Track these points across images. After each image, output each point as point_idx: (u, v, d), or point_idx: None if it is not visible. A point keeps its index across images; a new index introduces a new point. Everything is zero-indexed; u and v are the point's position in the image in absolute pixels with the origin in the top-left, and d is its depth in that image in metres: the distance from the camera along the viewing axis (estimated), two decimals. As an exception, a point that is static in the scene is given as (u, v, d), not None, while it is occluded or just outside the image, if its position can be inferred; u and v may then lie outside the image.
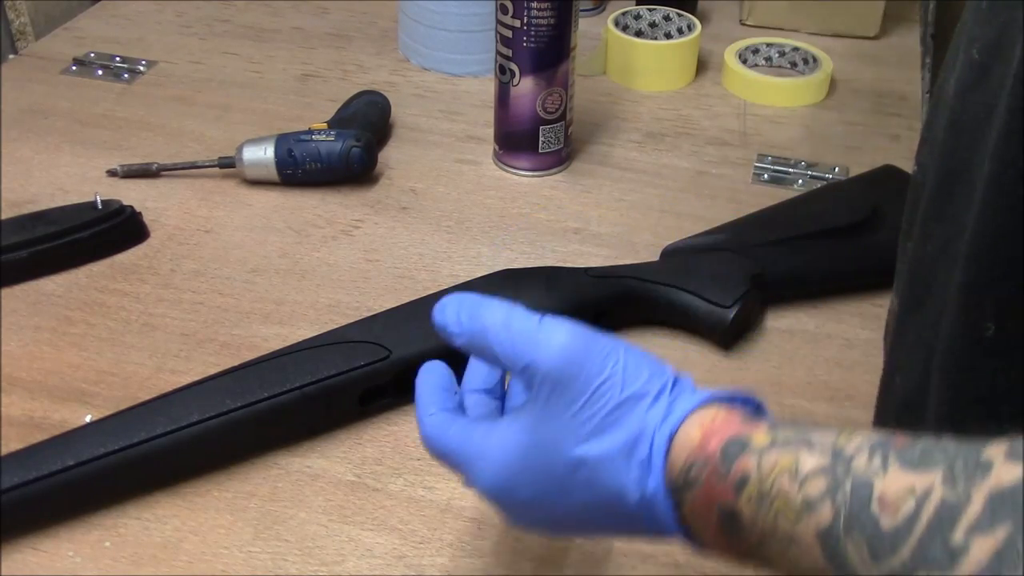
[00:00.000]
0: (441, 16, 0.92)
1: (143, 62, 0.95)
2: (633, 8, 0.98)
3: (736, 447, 0.34)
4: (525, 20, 0.74)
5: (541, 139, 0.79)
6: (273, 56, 0.97)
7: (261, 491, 0.54)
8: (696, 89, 0.95)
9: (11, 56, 0.98)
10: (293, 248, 0.72)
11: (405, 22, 0.96)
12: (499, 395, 0.46)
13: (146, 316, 0.66)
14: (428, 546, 0.52)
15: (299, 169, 0.77)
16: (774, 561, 0.33)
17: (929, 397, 0.41)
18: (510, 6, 0.74)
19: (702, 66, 0.97)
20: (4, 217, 0.71)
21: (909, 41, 1.04)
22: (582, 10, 0.88)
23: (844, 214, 0.71)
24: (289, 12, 1.06)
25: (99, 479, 0.52)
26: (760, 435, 0.34)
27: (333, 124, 0.81)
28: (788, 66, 0.98)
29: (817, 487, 0.31)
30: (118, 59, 0.95)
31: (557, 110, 0.78)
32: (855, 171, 0.81)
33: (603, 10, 1.07)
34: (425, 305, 0.62)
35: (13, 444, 0.54)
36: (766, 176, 0.82)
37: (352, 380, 0.57)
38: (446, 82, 0.94)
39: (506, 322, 0.40)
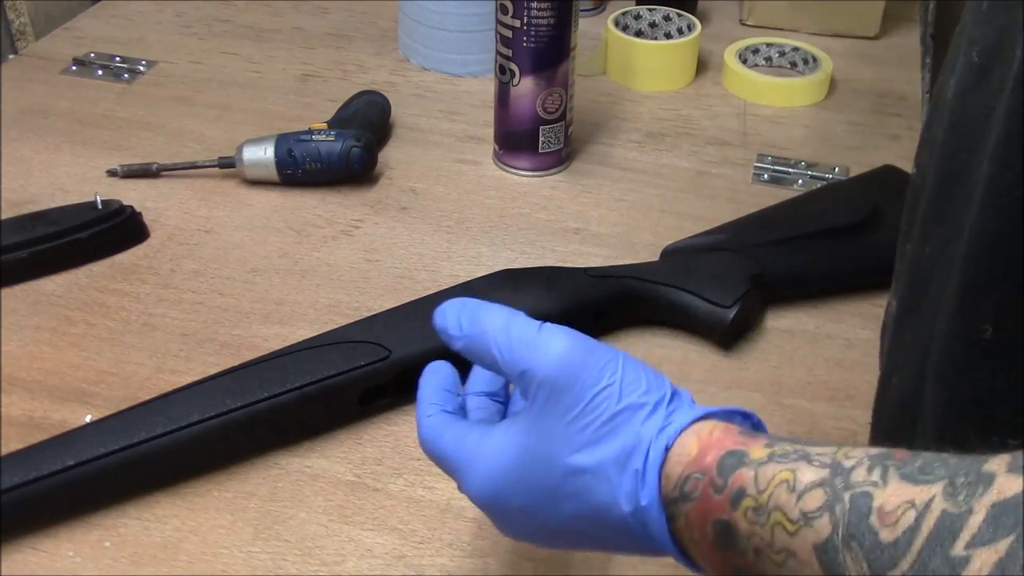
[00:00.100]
0: (441, 16, 0.92)
1: (143, 62, 0.95)
2: (633, 8, 0.98)
3: (733, 460, 0.34)
4: (525, 20, 0.74)
5: (541, 139, 0.79)
6: (273, 56, 0.97)
7: (261, 491, 0.54)
8: (696, 89, 0.95)
9: (11, 56, 0.98)
10: (293, 248, 0.72)
11: (405, 22, 0.96)
12: (502, 399, 0.46)
13: (146, 316, 0.66)
14: (428, 546, 0.52)
15: (299, 169, 0.77)
16: (768, 574, 0.33)
17: (925, 398, 0.41)
18: (510, 6, 0.74)
19: (702, 66, 0.97)
20: (4, 217, 0.71)
21: (909, 41, 1.04)
22: (582, 10, 0.88)
23: (844, 214, 0.71)
24: (289, 12, 1.06)
25: (99, 479, 0.52)
26: (757, 449, 0.34)
27: (333, 124, 0.81)
28: (788, 66, 0.98)
29: (815, 500, 0.30)
30: (118, 59, 0.95)
31: (557, 110, 0.78)
32: (855, 171, 0.81)
33: (603, 10, 1.07)
34: (425, 305, 0.62)
35: (13, 444, 0.54)
36: (766, 176, 0.82)
37: (352, 380, 0.57)
38: (446, 82, 0.94)
39: (505, 327, 0.40)
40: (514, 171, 0.81)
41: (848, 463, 0.31)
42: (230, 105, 0.89)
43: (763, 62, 0.98)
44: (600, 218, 0.77)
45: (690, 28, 0.95)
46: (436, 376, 0.45)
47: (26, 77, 0.92)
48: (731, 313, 0.63)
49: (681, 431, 0.36)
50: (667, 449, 0.36)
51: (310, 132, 0.77)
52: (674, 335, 0.66)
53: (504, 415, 0.45)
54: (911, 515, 0.27)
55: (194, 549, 0.51)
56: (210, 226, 0.74)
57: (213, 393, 0.55)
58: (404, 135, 0.86)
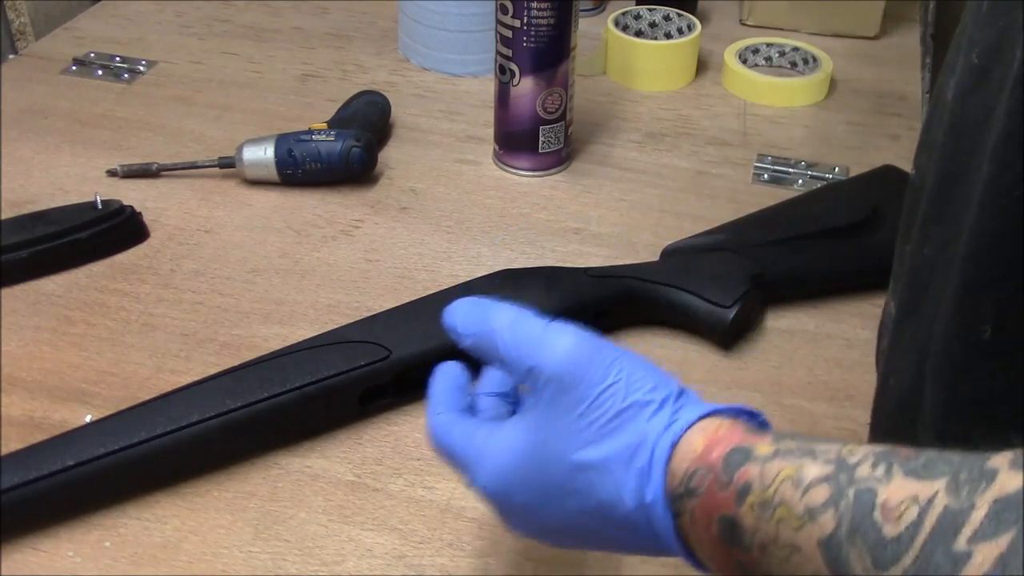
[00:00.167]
0: (441, 16, 0.92)
1: (143, 62, 0.95)
2: (633, 8, 0.98)
3: (739, 456, 0.34)
4: (525, 20, 0.74)
5: (541, 139, 0.79)
6: (273, 56, 0.97)
7: (261, 491, 0.54)
8: (696, 89, 0.95)
9: (11, 56, 0.98)
10: (293, 248, 0.72)
11: (405, 22, 0.96)
12: (513, 400, 0.46)
13: (146, 316, 0.66)
14: (428, 546, 0.52)
15: (299, 169, 0.77)
16: (774, 571, 0.33)
17: (923, 399, 0.41)
18: (510, 6, 0.74)
19: (702, 66, 0.97)
20: (4, 217, 0.71)
21: (909, 41, 1.04)
22: (582, 10, 0.88)
23: (844, 214, 0.71)
24: (289, 12, 1.06)
25: (99, 479, 0.52)
26: (764, 445, 0.34)
27: (333, 124, 0.81)
28: (788, 66, 0.98)
29: (820, 495, 0.30)
30: (118, 59, 0.95)
31: (557, 110, 0.78)
32: (855, 171, 0.81)
33: (603, 10, 1.07)
34: (425, 305, 0.62)
35: (13, 444, 0.54)
36: (766, 176, 0.82)
37: (352, 380, 0.57)
38: (446, 82, 0.94)
39: (512, 325, 0.40)
40: (514, 171, 0.81)
41: (853, 459, 0.31)
42: (230, 105, 0.89)
43: (763, 62, 0.98)
44: (600, 218, 0.77)
45: (690, 28, 0.95)
46: (447, 376, 0.45)
47: (26, 77, 0.92)
48: (731, 313, 0.63)
49: (687, 428, 0.36)
50: (673, 446, 0.36)
51: (310, 132, 0.77)
52: (674, 335, 0.66)
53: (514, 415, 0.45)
54: (914, 511, 0.27)
55: (194, 549, 0.51)
56: (210, 226, 0.74)
57: (213, 393, 0.55)
58: (404, 135, 0.86)
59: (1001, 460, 0.27)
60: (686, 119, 0.90)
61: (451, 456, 0.42)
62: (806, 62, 0.96)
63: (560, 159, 0.82)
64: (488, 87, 0.82)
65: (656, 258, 0.70)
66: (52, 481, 0.50)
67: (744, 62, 0.96)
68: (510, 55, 0.76)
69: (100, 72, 0.93)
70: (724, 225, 0.72)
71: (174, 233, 0.73)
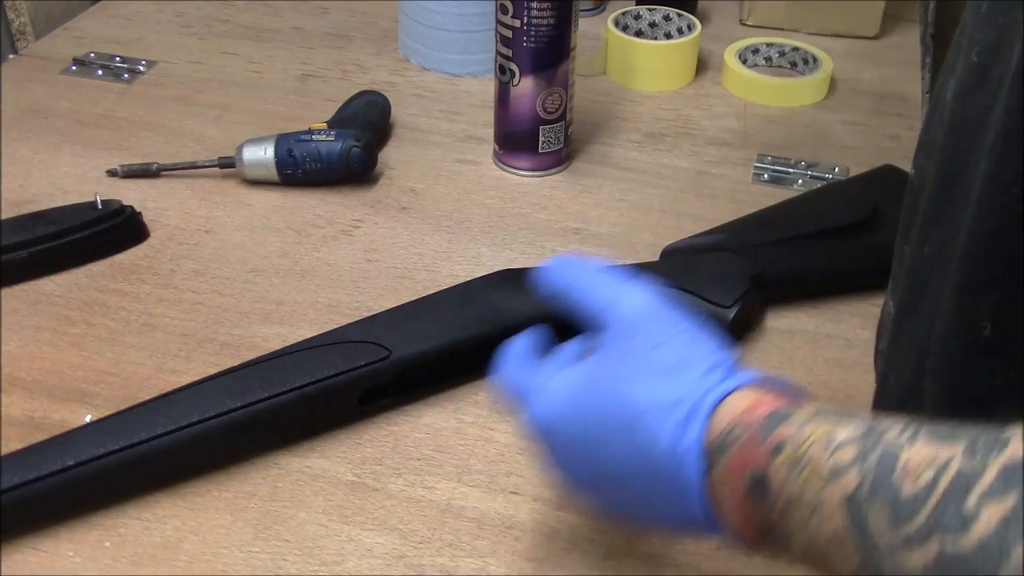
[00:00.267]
0: (441, 16, 0.92)
1: (143, 62, 0.95)
2: (633, 8, 0.98)
3: (777, 418, 0.35)
4: (525, 20, 0.74)
5: (541, 139, 0.79)
6: (273, 56, 0.97)
7: (261, 491, 0.54)
8: (696, 89, 0.95)
9: (11, 56, 0.98)
10: (293, 248, 0.72)
11: (405, 22, 0.96)
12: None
13: (146, 316, 0.66)
14: (428, 546, 0.52)
15: (299, 169, 0.77)
16: (794, 533, 0.33)
17: (923, 397, 0.41)
18: (510, 6, 0.74)
19: (702, 66, 0.97)
20: (4, 217, 0.71)
21: (909, 41, 1.04)
22: (582, 10, 0.88)
23: (844, 214, 0.71)
24: (289, 12, 1.06)
25: (99, 479, 0.52)
26: (803, 411, 0.35)
27: (333, 124, 0.81)
28: (788, 66, 0.98)
29: (847, 455, 0.31)
30: (118, 59, 0.95)
31: (557, 110, 0.78)
32: (855, 171, 0.81)
33: (603, 10, 1.07)
34: (425, 305, 0.63)
35: (13, 444, 0.54)
36: (766, 176, 0.82)
37: (352, 380, 0.57)
38: (446, 82, 0.94)
39: (597, 274, 0.44)
40: (514, 171, 0.81)
41: (882, 425, 0.32)
42: (230, 105, 0.89)
43: (763, 62, 0.98)
44: (600, 218, 0.77)
45: (690, 28, 0.95)
46: (529, 335, 0.48)
47: (26, 77, 0.92)
48: (731, 313, 0.63)
49: (733, 390, 0.38)
50: (717, 403, 0.37)
51: (310, 132, 0.77)
52: (674, 335, 0.66)
53: None
54: (931, 472, 0.28)
55: (194, 549, 0.51)
56: (210, 226, 0.74)
57: (213, 393, 0.55)
58: (404, 135, 0.86)
59: (1017, 430, 0.28)
60: (686, 119, 0.90)
61: (513, 391, 0.45)
62: (806, 62, 0.96)
63: (560, 159, 0.82)
64: (488, 87, 0.82)
65: (656, 258, 0.70)
66: (52, 481, 0.50)
67: (744, 62, 0.96)
68: (510, 55, 0.76)
69: (100, 72, 0.93)
70: (724, 225, 0.72)
71: (174, 233, 0.73)
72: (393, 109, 0.86)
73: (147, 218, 0.74)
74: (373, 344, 0.58)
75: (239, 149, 0.78)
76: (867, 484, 0.30)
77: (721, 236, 0.70)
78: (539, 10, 0.73)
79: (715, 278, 0.65)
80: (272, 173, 0.77)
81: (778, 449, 0.34)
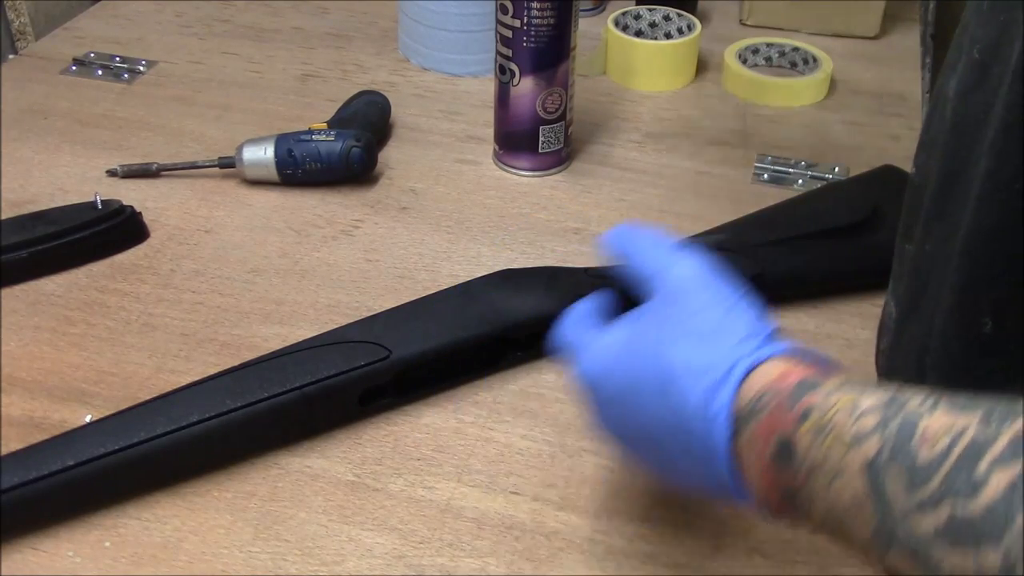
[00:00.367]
0: (441, 16, 0.92)
1: (143, 62, 0.95)
2: (633, 8, 0.98)
3: (806, 386, 0.36)
4: (525, 20, 0.74)
5: (541, 139, 0.79)
6: (273, 56, 0.97)
7: (261, 491, 0.54)
8: (696, 89, 0.95)
9: (11, 56, 0.98)
10: (293, 248, 0.72)
11: (405, 22, 0.96)
12: None
13: (146, 316, 0.66)
14: (428, 546, 0.52)
15: (299, 169, 0.77)
16: (816, 498, 0.34)
17: None
18: (510, 6, 0.74)
19: (702, 66, 0.97)
20: (4, 217, 0.71)
21: (909, 41, 1.04)
22: (582, 10, 0.88)
23: (844, 214, 0.71)
24: (289, 12, 1.06)
25: (99, 479, 0.52)
26: (832, 381, 0.36)
27: (333, 124, 0.81)
28: (788, 66, 0.98)
29: (869, 422, 0.32)
30: (118, 59, 0.95)
31: (557, 110, 0.78)
32: (855, 171, 0.81)
33: (603, 10, 1.07)
34: (425, 305, 0.62)
35: (13, 444, 0.54)
36: (766, 176, 0.82)
37: (352, 380, 0.57)
38: (446, 82, 0.94)
39: (655, 240, 0.46)
40: (514, 171, 0.81)
41: (905, 395, 0.32)
42: (230, 105, 0.89)
43: (763, 62, 0.98)
44: (600, 218, 0.77)
45: (690, 28, 0.95)
46: (583, 301, 0.51)
47: (26, 77, 0.92)
48: (731, 313, 0.63)
49: (767, 359, 0.39)
50: (750, 370, 0.38)
51: (310, 132, 0.77)
52: (674, 335, 0.66)
53: None
54: (947, 439, 0.29)
55: (194, 549, 0.51)
56: (210, 226, 0.74)
57: (213, 393, 0.55)
58: (404, 135, 0.86)
59: None
60: (686, 119, 0.90)
61: (566, 347, 0.48)
62: (806, 62, 0.96)
63: (560, 159, 0.82)
64: (488, 87, 0.82)
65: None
66: (52, 481, 0.50)
67: (744, 62, 0.96)
68: (510, 55, 0.76)
69: (100, 72, 0.93)
70: (724, 225, 0.72)
71: (174, 233, 0.73)
72: (393, 109, 0.86)
73: (147, 218, 0.74)
74: (373, 344, 0.58)
75: (239, 149, 0.78)
76: (886, 450, 0.31)
77: (721, 236, 0.70)
78: (539, 10, 0.73)
79: (715, 278, 0.65)
80: (272, 173, 0.77)
81: (805, 416, 0.35)
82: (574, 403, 0.60)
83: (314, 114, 0.86)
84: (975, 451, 0.28)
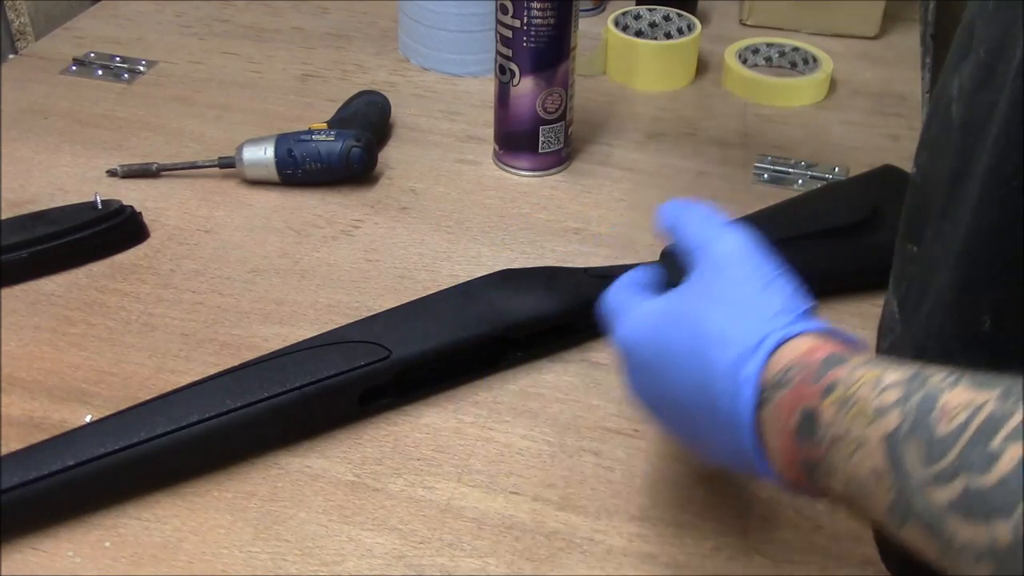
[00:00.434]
0: (441, 16, 0.92)
1: (143, 62, 0.95)
2: (633, 8, 0.98)
3: (833, 361, 0.37)
4: (525, 20, 0.74)
5: (541, 139, 0.79)
6: (273, 56, 0.97)
7: (261, 491, 0.54)
8: (696, 89, 0.95)
9: (11, 56, 0.98)
10: (293, 248, 0.72)
11: (405, 22, 0.96)
12: None
13: (146, 316, 0.66)
14: (428, 546, 0.52)
15: (299, 169, 0.77)
16: (836, 470, 0.34)
17: None
18: (510, 6, 0.74)
19: (702, 66, 0.97)
20: (4, 217, 0.71)
21: (909, 41, 1.04)
22: (582, 10, 0.88)
23: (844, 214, 0.71)
24: (289, 12, 1.06)
25: (99, 479, 0.52)
26: (859, 357, 0.37)
27: (333, 124, 0.81)
28: (788, 66, 0.98)
29: (892, 396, 0.33)
30: (118, 59, 0.95)
31: (557, 110, 0.78)
32: (855, 171, 0.81)
33: (603, 10, 1.07)
34: (425, 305, 0.62)
35: (13, 444, 0.54)
36: (766, 176, 0.82)
37: (352, 380, 0.57)
38: (446, 82, 0.94)
39: (704, 214, 0.47)
40: (514, 171, 0.81)
41: (928, 371, 0.33)
42: (230, 105, 0.89)
43: (763, 62, 0.98)
44: (600, 218, 0.77)
45: (690, 28, 0.95)
46: (632, 271, 0.52)
47: (26, 77, 0.92)
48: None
49: (799, 334, 0.39)
50: (781, 343, 0.39)
51: (310, 132, 0.77)
52: (674, 335, 0.66)
53: None
54: (966, 414, 0.29)
55: (194, 549, 0.51)
56: (210, 226, 0.74)
57: (213, 393, 0.55)
58: (404, 135, 0.86)
59: None
60: (686, 119, 0.90)
61: (608, 313, 0.49)
62: (806, 62, 0.96)
63: (560, 159, 0.82)
64: (488, 87, 0.82)
65: (656, 258, 0.70)
66: (52, 481, 0.50)
67: (744, 62, 0.96)
68: (510, 55, 0.76)
69: (100, 72, 0.93)
70: (724, 225, 0.72)
71: (174, 233, 0.73)
72: (393, 109, 0.86)
73: (147, 218, 0.74)
74: (373, 344, 0.58)
75: (239, 149, 0.78)
76: (906, 424, 0.31)
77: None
78: (539, 10, 0.73)
79: (715, 278, 0.65)
80: (272, 173, 0.77)
81: (830, 389, 0.35)
82: (574, 403, 0.60)
83: (314, 114, 0.86)
84: (991, 426, 0.28)
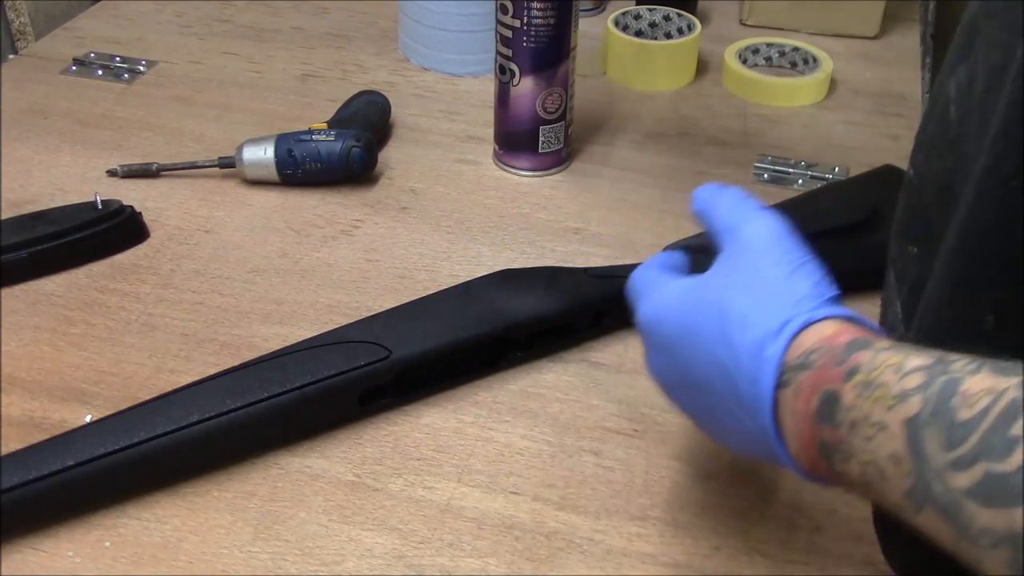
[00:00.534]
0: (441, 16, 0.92)
1: (143, 62, 0.95)
2: (633, 8, 0.98)
3: (857, 345, 0.37)
4: (525, 20, 0.74)
5: (541, 139, 0.79)
6: (273, 56, 0.97)
7: (261, 491, 0.54)
8: (696, 89, 0.95)
9: (11, 56, 0.98)
10: (293, 248, 0.72)
11: (405, 22, 0.96)
12: None
13: (146, 316, 0.66)
14: (428, 546, 0.52)
15: (299, 169, 0.77)
16: (854, 453, 0.34)
17: None
18: (510, 6, 0.74)
19: (702, 66, 0.97)
20: (4, 217, 0.71)
21: (909, 41, 1.04)
22: (582, 10, 0.88)
23: (844, 214, 0.71)
24: (289, 12, 1.06)
25: (99, 479, 0.52)
26: (883, 341, 0.37)
27: (333, 124, 0.81)
28: (788, 66, 0.98)
29: (914, 381, 0.33)
30: (118, 59, 0.95)
31: (557, 110, 0.78)
32: (855, 171, 0.81)
33: (603, 10, 1.07)
34: (425, 305, 0.63)
35: (13, 444, 0.54)
36: (766, 176, 0.82)
37: (352, 380, 0.57)
38: (446, 82, 0.94)
39: (735, 198, 0.47)
40: (514, 171, 0.81)
41: (952, 357, 0.33)
42: (230, 105, 0.89)
43: (763, 62, 0.98)
44: (600, 218, 0.77)
45: (690, 28, 0.95)
46: (662, 253, 0.52)
47: (26, 77, 0.92)
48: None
49: (824, 318, 0.39)
50: (805, 326, 0.39)
51: (310, 132, 0.77)
52: (674, 335, 0.66)
53: None
54: (986, 400, 0.29)
55: (194, 549, 0.51)
56: (210, 226, 0.74)
57: (213, 393, 0.55)
58: (404, 135, 0.86)
59: None
60: (686, 119, 0.90)
61: (633, 292, 0.49)
62: (806, 62, 0.96)
63: (560, 159, 0.82)
64: (488, 87, 0.82)
65: (656, 258, 0.70)
66: (52, 481, 0.50)
67: (744, 62, 0.96)
68: (510, 55, 0.76)
69: (100, 72, 0.93)
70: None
71: (174, 233, 0.73)
72: (393, 109, 0.86)
73: (147, 218, 0.74)
74: (373, 344, 0.58)
75: (239, 149, 0.78)
76: (928, 409, 0.31)
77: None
78: (539, 10, 0.73)
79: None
80: (272, 173, 0.77)
81: (853, 372, 0.35)
82: (573, 403, 0.60)
83: (314, 114, 0.86)
84: (1012, 412, 0.28)
